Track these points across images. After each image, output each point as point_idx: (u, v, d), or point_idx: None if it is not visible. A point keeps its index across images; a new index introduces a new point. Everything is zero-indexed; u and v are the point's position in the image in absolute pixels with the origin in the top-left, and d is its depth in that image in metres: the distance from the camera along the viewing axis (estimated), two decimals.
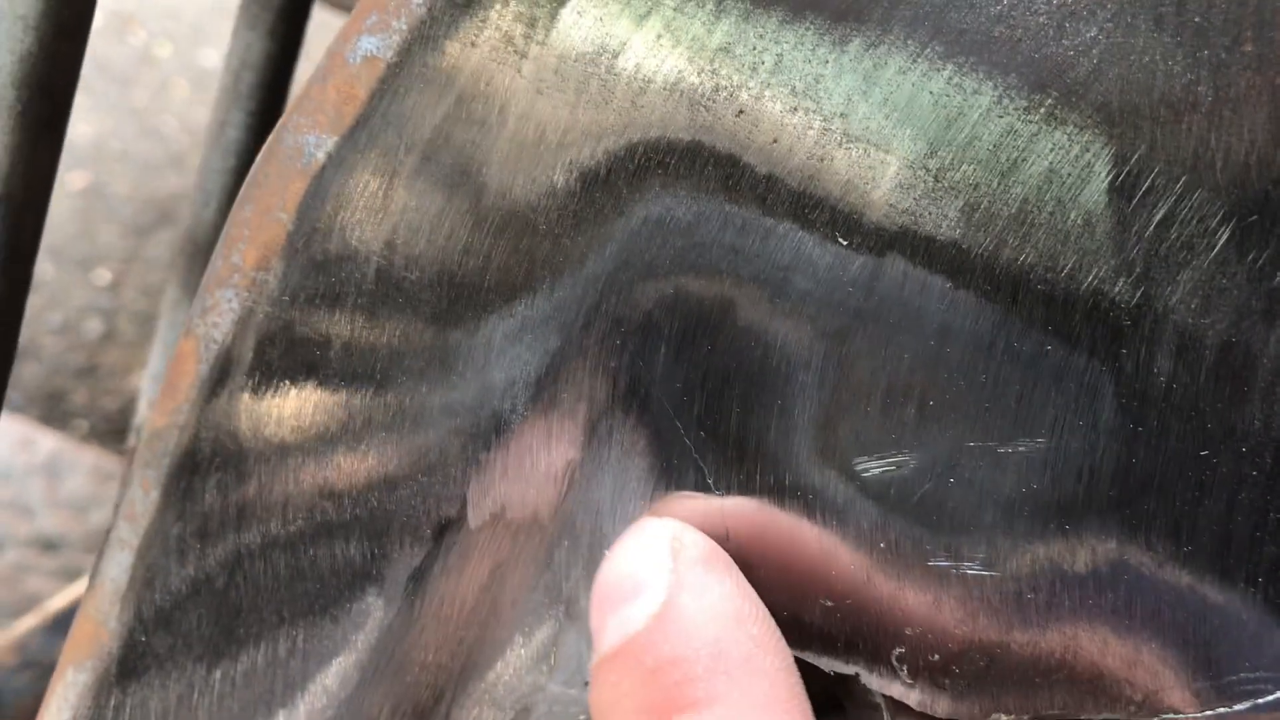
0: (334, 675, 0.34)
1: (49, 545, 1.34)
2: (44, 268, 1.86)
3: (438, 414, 0.33)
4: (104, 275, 1.92)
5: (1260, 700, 0.29)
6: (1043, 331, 0.29)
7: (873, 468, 0.31)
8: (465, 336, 0.32)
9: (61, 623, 0.92)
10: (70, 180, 2.03)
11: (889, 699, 0.32)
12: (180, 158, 2.10)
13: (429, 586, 0.34)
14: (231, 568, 0.33)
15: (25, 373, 1.70)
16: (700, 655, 0.27)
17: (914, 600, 0.31)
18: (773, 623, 0.29)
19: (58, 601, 0.96)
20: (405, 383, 0.33)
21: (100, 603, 0.35)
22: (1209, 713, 0.30)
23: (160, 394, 0.35)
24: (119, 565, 0.34)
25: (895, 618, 0.31)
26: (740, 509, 0.31)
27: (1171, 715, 0.30)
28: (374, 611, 0.34)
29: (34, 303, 1.77)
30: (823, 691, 0.35)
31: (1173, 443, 0.29)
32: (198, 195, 0.60)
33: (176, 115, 2.20)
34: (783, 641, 0.28)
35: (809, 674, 0.33)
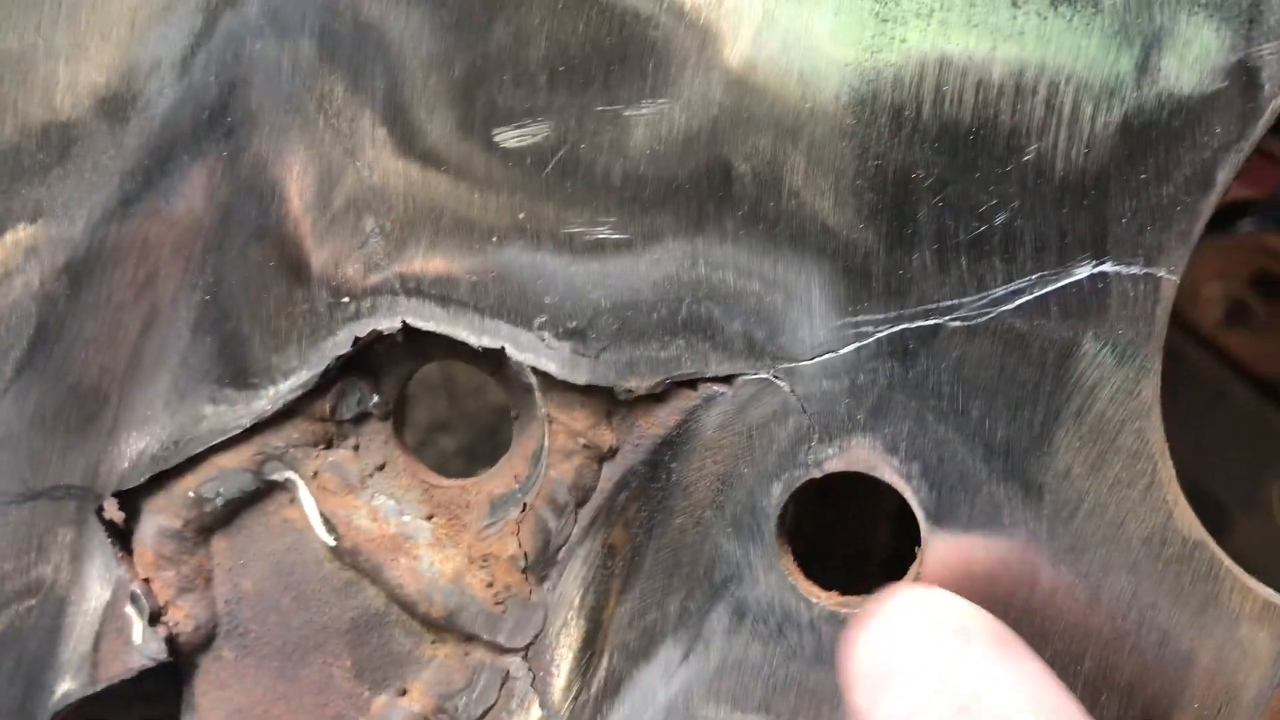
0: None
1: None
2: None
3: (83, 95, 0.32)
4: None
5: (861, 344, 0.31)
6: None
7: (509, 137, 0.32)
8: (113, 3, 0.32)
9: None
10: None
11: (538, 373, 0.33)
12: None
13: (85, 282, 0.33)
14: None
15: None
16: None
17: (552, 267, 0.32)
18: None
19: None
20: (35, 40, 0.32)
21: None
22: (818, 359, 0.31)
23: None
24: None
25: (536, 286, 0.32)
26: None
27: (789, 364, 0.31)
28: (28, 305, 0.33)
29: None
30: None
31: (793, 90, 0.30)
32: None
33: None
34: None
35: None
